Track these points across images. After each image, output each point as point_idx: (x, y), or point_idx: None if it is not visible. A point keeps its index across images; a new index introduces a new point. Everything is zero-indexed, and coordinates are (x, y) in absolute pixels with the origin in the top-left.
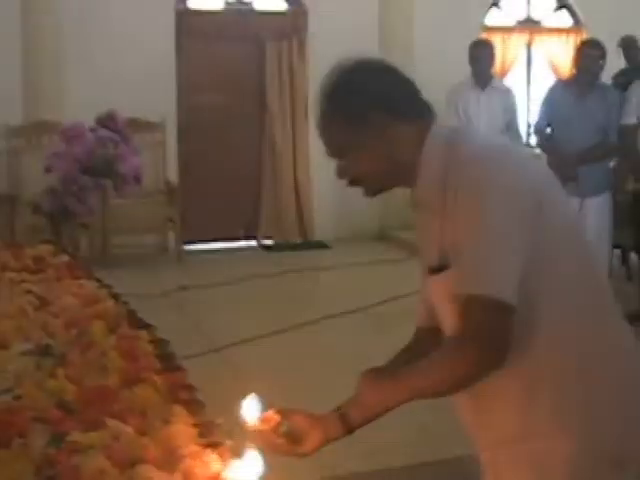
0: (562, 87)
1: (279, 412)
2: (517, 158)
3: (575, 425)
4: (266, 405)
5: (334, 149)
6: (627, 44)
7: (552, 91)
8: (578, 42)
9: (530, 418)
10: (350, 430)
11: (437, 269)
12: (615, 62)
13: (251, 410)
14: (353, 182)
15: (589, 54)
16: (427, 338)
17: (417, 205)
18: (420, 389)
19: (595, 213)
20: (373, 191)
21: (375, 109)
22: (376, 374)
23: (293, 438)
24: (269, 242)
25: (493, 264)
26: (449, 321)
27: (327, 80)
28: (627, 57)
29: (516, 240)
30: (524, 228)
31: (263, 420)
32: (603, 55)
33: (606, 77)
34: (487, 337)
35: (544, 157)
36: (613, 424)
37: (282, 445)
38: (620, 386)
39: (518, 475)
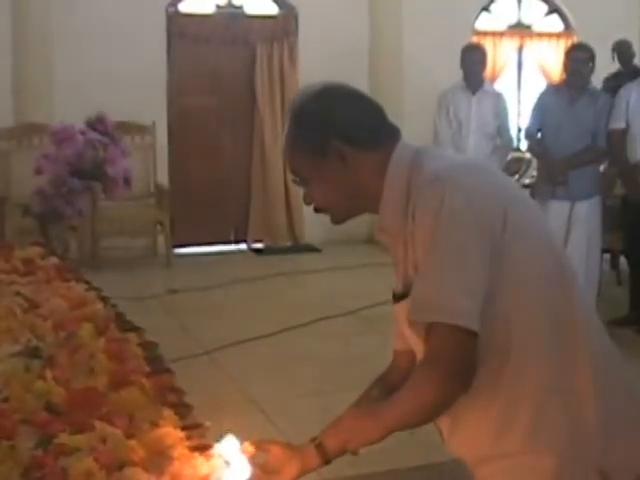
0: (553, 92)
1: (255, 444)
2: (479, 177)
3: (556, 441)
4: (242, 439)
5: (297, 176)
6: (621, 48)
7: (543, 96)
8: (567, 46)
9: (507, 438)
10: (327, 461)
11: (401, 295)
12: (606, 66)
13: (229, 448)
14: (317, 209)
15: (577, 57)
16: (404, 360)
17: (381, 231)
18: (395, 422)
19: (586, 217)
20: (339, 218)
21: (337, 139)
22: (358, 409)
23: (270, 469)
24: (259, 245)
25: (451, 288)
26: (417, 346)
27: (293, 106)
28: (621, 61)
29: (474, 262)
30: (484, 249)
31: (239, 456)
32: (592, 58)
33: (597, 81)
34: (450, 363)
35: (535, 161)
36: (596, 437)
37: (259, 477)
38: (601, 399)
39: None
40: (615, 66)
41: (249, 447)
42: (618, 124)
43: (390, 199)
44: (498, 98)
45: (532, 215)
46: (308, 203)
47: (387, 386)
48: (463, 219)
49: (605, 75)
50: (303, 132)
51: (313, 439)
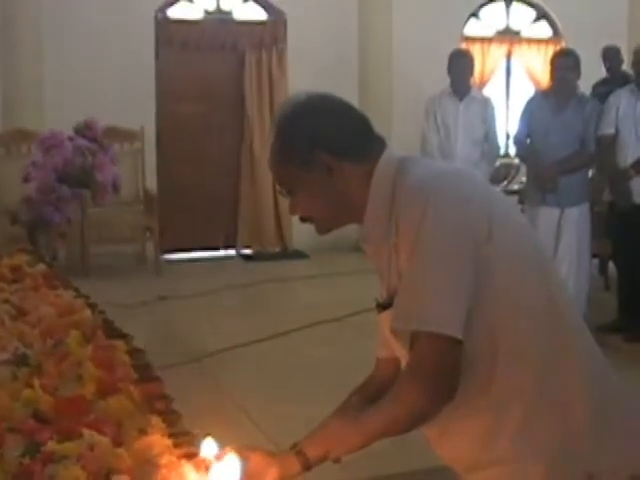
0: (540, 98)
1: (236, 450)
2: (463, 186)
3: (544, 447)
4: (221, 444)
5: (283, 186)
6: (610, 55)
7: (531, 102)
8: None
9: (496, 446)
10: (308, 467)
11: (386, 305)
12: (595, 72)
13: (208, 449)
14: (303, 219)
15: (563, 64)
16: (387, 369)
17: (365, 241)
18: (377, 431)
19: (576, 224)
20: (324, 229)
21: (322, 151)
22: (340, 416)
23: (250, 476)
24: (248, 251)
25: (434, 297)
26: (402, 354)
27: (279, 115)
28: (609, 67)
29: (459, 271)
30: (468, 257)
31: (219, 458)
32: (577, 63)
33: (586, 86)
34: (434, 372)
35: (524, 167)
36: (584, 442)
37: None
38: (588, 404)
39: None
40: (604, 72)
41: (230, 453)
42: (608, 130)
43: (374, 209)
44: (486, 104)
45: (517, 223)
46: (294, 213)
47: (368, 394)
48: (447, 228)
49: (594, 81)
50: (288, 143)
51: (293, 446)
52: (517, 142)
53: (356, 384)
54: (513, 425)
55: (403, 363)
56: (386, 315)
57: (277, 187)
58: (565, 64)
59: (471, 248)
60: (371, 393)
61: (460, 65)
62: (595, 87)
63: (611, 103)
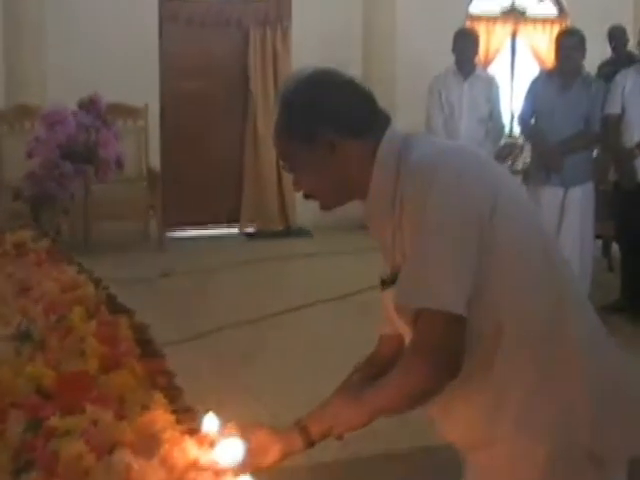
0: (545, 78)
1: (239, 427)
2: (468, 163)
3: (547, 426)
4: (224, 420)
5: (286, 162)
6: (616, 34)
7: (535, 82)
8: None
9: (498, 424)
10: (310, 444)
11: (389, 282)
12: (601, 51)
13: (209, 424)
14: (307, 196)
15: (567, 43)
16: (390, 346)
17: (369, 218)
18: (380, 408)
19: (580, 203)
20: (328, 205)
21: (326, 127)
22: (343, 393)
23: (253, 453)
24: (251, 229)
25: (438, 274)
26: (405, 331)
27: (283, 90)
28: (615, 47)
29: (463, 248)
30: (472, 235)
31: (221, 434)
32: (582, 42)
33: (591, 66)
34: (438, 349)
35: (528, 147)
36: (587, 421)
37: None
38: (591, 383)
39: (496, 477)
40: (609, 52)
41: (231, 429)
42: (614, 110)
43: (378, 186)
44: (490, 82)
45: (521, 201)
46: (297, 189)
47: (370, 371)
48: (451, 205)
49: (599, 60)
50: (292, 119)
51: (296, 423)
52: (522, 121)
53: (359, 361)
54: (515, 404)
55: (407, 340)
56: (390, 292)
57: (281, 163)
58: (570, 43)
59: (475, 225)
60: (374, 370)
61: (465, 44)
62: (601, 67)
63: (617, 83)
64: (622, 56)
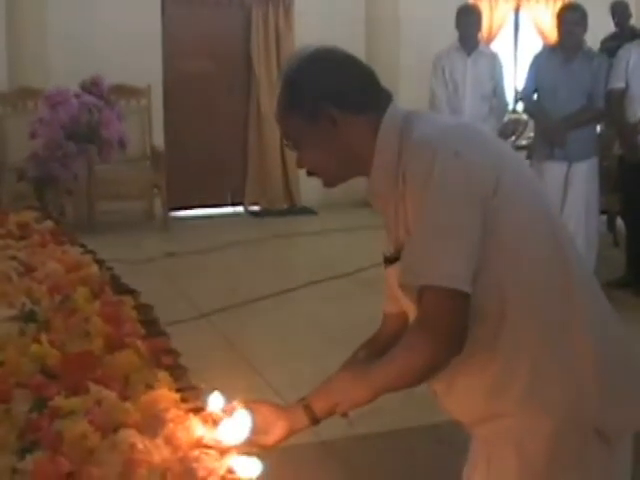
0: (548, 53)
1: (243, 404)
2: (471, 140)
3: (552, 402)
4: (229, 398)
5: (289, 140)
6: (618, 9)
7: (538, 57)
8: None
9: (503, 400)
10: (315, 421)
11: (393, 259)
12: (603, 26)
13: (215, 403)
14: (310, 173)
15: (569, 18)
16: (394, 323)
17: (373, 195)
18: (385, 384)
19: (584, 179)
20: (331, 182)
21: (328, 104)
22: (347, 371)
23: (258, 430)
24: (255, 208)
25: (442, 251)
26: (410, 308)
27: (286, 68)
28: (617, 22)
29: (466, 225)
30: (475, 212)
31: (226, 411)
32: (583, 17)
33: (594, 41)
34: (442, 325)
35: (532, 123)
36: (593, 397)
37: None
38: (596, 360)
39: (502, 451)
40: (612, 27)
41: (237, 406)
42: (618, 84)
43: (381, 162)
44: (494, 59)
45: (526, 178)
46: (301, 166)
47: (375, 349)
48: (454, 182)
49: (601, 36)
50: (295, 96)
51: (301, 399)
52: (525, 97)
53: (364, 339)
54: (520, 380)
55: (411, 317)
56: (393, 269)
57: (284, 141)
58: (572, 18)
59: (478, 202)
60: (378, 347)
61: (468, 20)
62: (604, 42)
63: (621, 57)
64: (625, 31)
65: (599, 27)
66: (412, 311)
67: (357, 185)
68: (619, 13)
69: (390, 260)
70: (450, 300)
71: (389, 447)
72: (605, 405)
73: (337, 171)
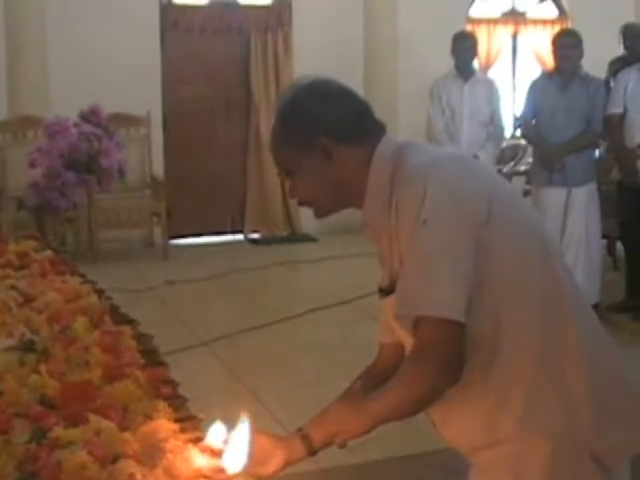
0: (545, 79)
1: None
2: (462, 169)
3: (549, 426)
4: (230, 427)
5: (282, 169)
6: (629, 32)
7: (535, 83)
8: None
9: (500, 426)
10: (312, 452)
11: (388, 290)
12: (607, 51)
13: (216, 434)
14: (302, 203)
15: (564, 43)
16: (391, 354)
17: (366, 226)
18: (383, 414)
19: (584, 204)
20: (322, 212)
21: (321, 135)
22: (345, 401)
23: (256, 460)
24: (255, 236)
25: (436, 281)
26: (406, 339)
27: (281, 99)
28: (629, 46)
29: (459, 255)
30: (468, 241)
31: (226, 442)
32: (579, 42)
33: (592, 66)
34: (438, 355)
35: (531, 149)
36: (588, 421)
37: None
38: (591, 383)
39: (500, 478)
40: (618, 50)
41: (243, 417)
42: (616, 109)
43: (373, 194)
44: (490, 85)
45: (520, 208)
46: (293, 196)
47: (372, 379)
48: (446, 212)
49: (602, 60)
50: (290, 127)
51: (298, 430)
52: (523, 123)
53: (364, 366)
54: (516, 407)
55: (407, 348)
56: (389, 300)
57: (277, 170)
58: (567, 43)
59: (471, 231)
60: (375, 378)
61: (463, 47)
62: (612, 64)
63: (619, 82)
64: (635, 54)
65: (602, 52)
66: (408, 342)
67: (357, 212)
68: (630, 36)
69: (385, 291)
70: (446, 330)
71: (389, 475)
72: (600, 429)
73: (329, 202)
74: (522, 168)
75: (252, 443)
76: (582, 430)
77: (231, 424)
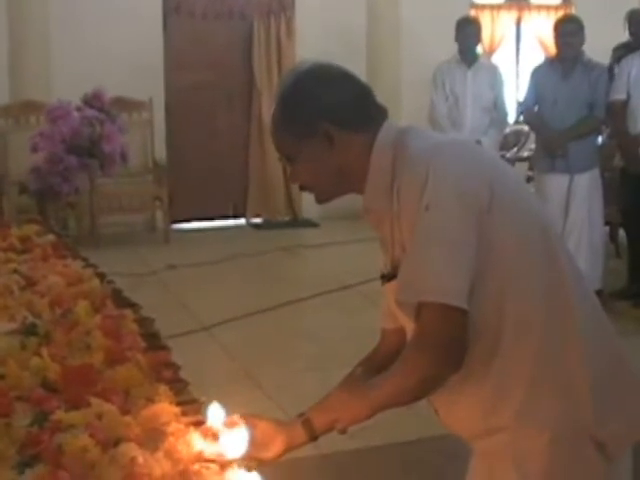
0: (547, 65)
1: (243, 418)
2: (463, 155)
3: (550, 413)
4: (229, 411)
5: (284, 154)
6: (634, 19)
7: (538, 70)
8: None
9: (501, 413)
10: (314, 437)
11: (390, 276)
12: (611, 37)
13: (215, 416)
14: (303, 188)
15: (566, 30)
16: (392, 340)
17: (368, 212)
18: (384, 400)
19: (587, 190)
20: (324, 198)
21: (323, 120)
22: (346, 387)
23: (257, 444)
24: (257, 220)
25: (438, 267)
26: (407, 325)
27: (282, 84)
28: (634, 32)
29: (461, 241)
30: (470, 227)
31: (226, 425)
32: (580, 28)
33: (595, 52)
34: (440, 342)
35: (533, 135)
36: (589, 407)
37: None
38: (593, 370)
39: (502, 465)
40: (623, 36)
41: (236, 420)
42: (619, 95)
43: (375, 179)
44: (494, 71)
45: (522, 195)
46: (294, 181)
47: (374, 365)
48: (448, 198)
49: (610, 46)
50: (291, 112)
51: (300, 415)
52: (525, 110)
53: (365, 352)
54: (517, 394)
55: (409, 334)
56: (391, 286)
57: (278, 155)
58: (568, 30)
59: (473, 217)
60: (377, 364)
61: (467, 33)
62: (616, 50)
63: (622, 68)
64: (637, 40)
65: (606, 38)
66: (410, 328)
67: (359, 197)
68: (636, 22)
69: (387, 277)
70: (447, 316)
71: (389, 460)
72: (602, 416)
73: (331, 187)
74: (525, 154)
75: (248, 430)
76: (583, 417)
77: (230, 409)
